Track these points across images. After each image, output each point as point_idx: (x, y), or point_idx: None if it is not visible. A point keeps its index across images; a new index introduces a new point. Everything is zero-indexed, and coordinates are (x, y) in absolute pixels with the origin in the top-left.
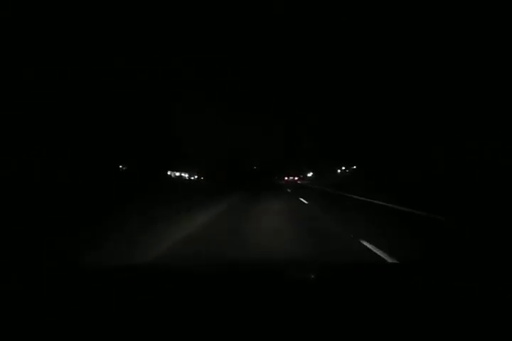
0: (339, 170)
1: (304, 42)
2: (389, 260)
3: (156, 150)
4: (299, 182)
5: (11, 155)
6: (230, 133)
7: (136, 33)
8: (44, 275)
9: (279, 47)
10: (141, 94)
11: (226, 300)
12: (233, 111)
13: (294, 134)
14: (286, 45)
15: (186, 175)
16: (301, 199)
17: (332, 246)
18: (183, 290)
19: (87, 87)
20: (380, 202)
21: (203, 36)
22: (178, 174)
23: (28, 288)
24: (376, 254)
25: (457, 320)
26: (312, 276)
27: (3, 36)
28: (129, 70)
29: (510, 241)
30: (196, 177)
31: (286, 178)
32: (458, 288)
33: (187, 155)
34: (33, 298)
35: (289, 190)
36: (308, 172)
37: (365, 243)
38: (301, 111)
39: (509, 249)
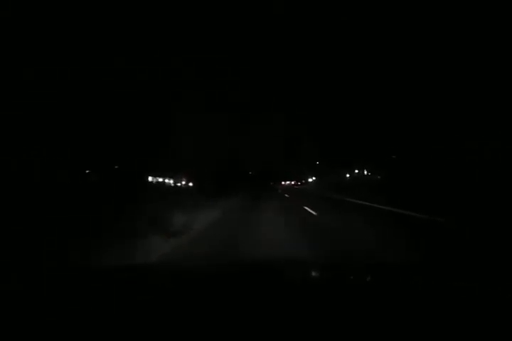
0: (348, 175)
1: (304, 41)
2: None
3: (133, 152)
4: (296, 186)
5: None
6: (227, 134)
7: (136, 33)
8: (44, 275)
9: (279, 47)
10: (134, 94)
11: (226, 300)
12: (233, 111)
13: (294, 136)
14: (286, 45)
15: (171, 181)
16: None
17: None
18: (183, 290)
19: (81, 86)
20: (381, 206)
21: (202, 36)
22: (161, 180)
23: (28, 288)
24: None
25: (457, 319)
26: (312, 276)
27: (3, 36)
28: (128, 70)
29: (510, 241)
30: (184, 182)
31: (283, 183)
32: (458, 288)
33: (174, 157)
34: (33, 298)
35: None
36: (310, 176)
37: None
38: (302, 111)
39: (509, 249)
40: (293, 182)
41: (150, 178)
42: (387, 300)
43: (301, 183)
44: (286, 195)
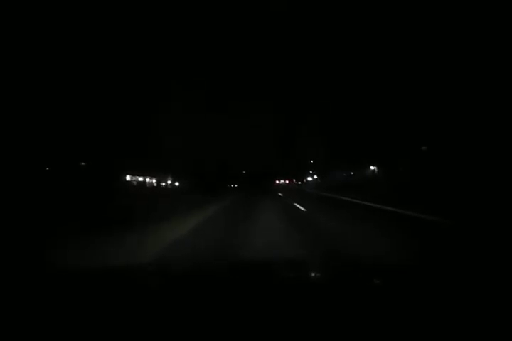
0: (352, 173)
1: (304, 40)
2: None
3: (107, 148)
4: (290, 186)
5: None
6: (223, 134)
7: (135, 32)
8: (42, 275)
9: (279, 46)
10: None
11: (225, 300)
12: (226, 107)
13: (293, 134)
14: (286, 44)
15: (153, 181)
16: None
17: None
18: (182, 291)
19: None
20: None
21: (202, 36)
22: (141, 179)
23: (26, 289)
24: None
25: (457, 320)
26: (311, 277)
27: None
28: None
29: (509, 242)
30: (169, 182)
31: (277, 182)
32: (457, 289)
33: (156, 156)
34: (30, 297)
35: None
36: (310, 175)
37: None
38: (301, 109)
39: (509, 249)
40: (287, 182)
41: (128, 177)
42: (387, 300)
43: (301, 182)
44: (302, 209)
